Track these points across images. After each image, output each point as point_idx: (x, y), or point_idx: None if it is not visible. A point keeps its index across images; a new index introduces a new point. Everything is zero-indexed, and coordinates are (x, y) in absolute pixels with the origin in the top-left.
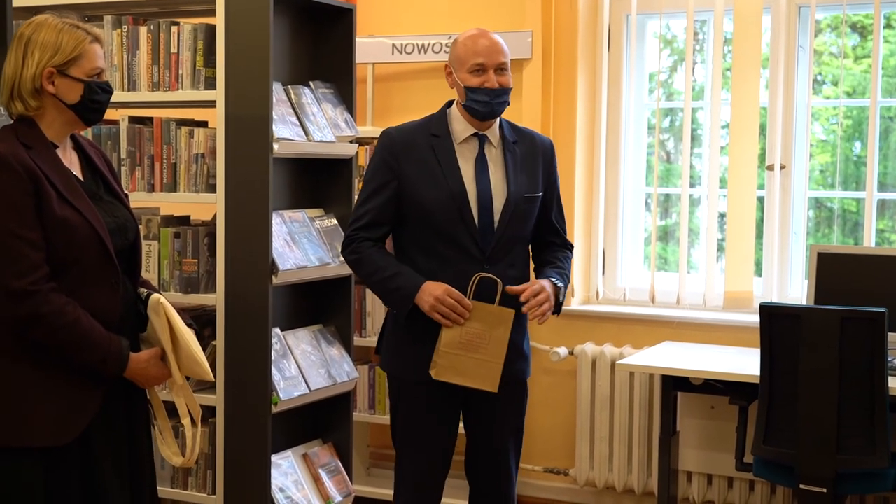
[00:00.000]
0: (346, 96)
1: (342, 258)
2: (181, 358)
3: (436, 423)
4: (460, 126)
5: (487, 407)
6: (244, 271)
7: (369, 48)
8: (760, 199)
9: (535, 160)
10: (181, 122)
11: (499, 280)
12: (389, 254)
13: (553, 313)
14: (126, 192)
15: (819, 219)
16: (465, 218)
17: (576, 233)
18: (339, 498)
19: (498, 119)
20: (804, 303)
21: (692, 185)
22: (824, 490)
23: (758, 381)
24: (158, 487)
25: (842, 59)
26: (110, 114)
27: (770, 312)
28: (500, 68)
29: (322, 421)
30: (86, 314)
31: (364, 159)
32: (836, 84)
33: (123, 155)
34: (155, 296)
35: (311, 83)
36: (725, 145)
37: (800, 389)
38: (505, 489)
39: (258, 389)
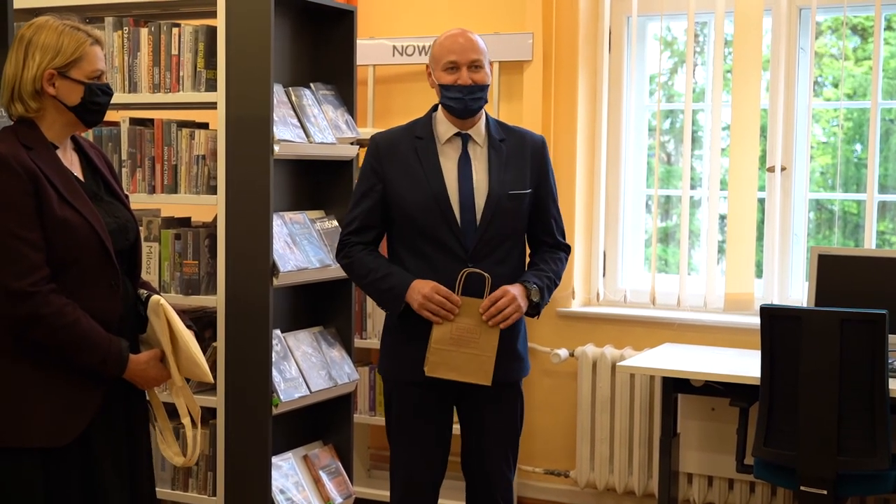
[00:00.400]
0: (346, 98)
1: None
2: (181, 359)
3: (428, 424)
4: (444, 127)
5: (479, 408)
6: (245, 273)
7: (370, 50)
8: (761, 201)
9: (522, 157)
10: (182, 124)
11: (486, 275)
12: (381, 256)
13: (530, 315)
14: (127, 193)
15: (820, 221)
16: (447, 218)
17: (576, 234)
18: (339, 499)
19: (484, 118)
20: (805, 304)
21: (693, 187)
22: (825, 492)
23: (758, 382)
24: (158, 489)
25: (842, 61)
26: (111, 115)
27: (771, 314)
28: (475, 65)
29: (322, 422)
30: (85, 315)
31: None
32: (836, 86)
33: (124, 156)
34: (155, 297)
35: (311, 85)
36: (726, 147)
37: (800, 391)
38: (498, 493)
39: (259, 391)
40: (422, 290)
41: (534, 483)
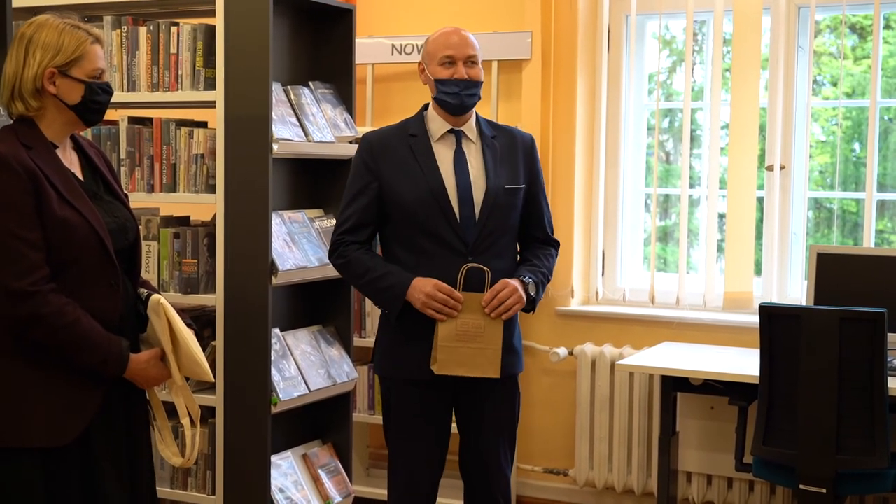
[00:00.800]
0: (345, 97)
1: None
2: (181, 358)
3: (427, 423)
4: (436, 124)
5: (478, 405)
6: (244, 272)
7: (369, 49)
8: (760, 200)
9: (515, 154)
10: (181, 123)
11: (486, 269)
12: (377, 255)
13: (526, 310)
14: (126, 192)
15: (818, 219)
16: (445, 212)
17: (575, 233)
18: (338, 498)
19: (474, 116)
20: (804, 303)
21: (692, 186)
22: (824, 490)
23: (757, 381)
24: (158, 488)
25: (841, 60)
26: (110, 114)
27: (770, 313)
28: (470, 61)
29: (321, 421)
30: (86, 315)
31: None
32: (835, 85)
33: (123, 155)
34: (155, 296)
35: (310, 83)
36: (725, 146)
37: (799, 390)
38: (496, 488)
39: (258, 390)
40: (424, 289)
41: (533, 482)
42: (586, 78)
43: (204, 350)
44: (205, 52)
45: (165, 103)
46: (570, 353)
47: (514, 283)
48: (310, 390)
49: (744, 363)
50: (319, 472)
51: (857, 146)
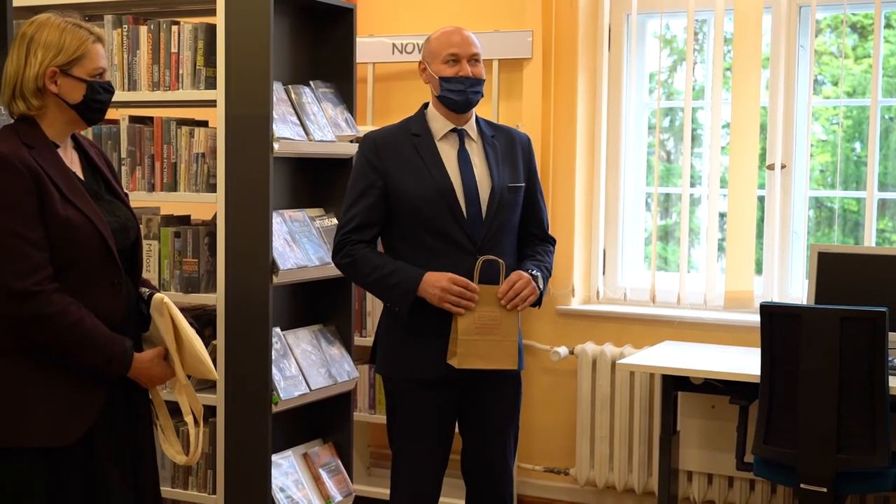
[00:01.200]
0: (346, 96)
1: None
2: (185, 357)
3: (434, 423)
4: (438, 123)
5: (483, 404)
6: (244, 271)
7: (369, 48)
8: (761, 199)
9: (514, 153)
10: (181, 122)
11: (501, 260)
12: (383, 253)
13: (533, 305)
14: (126, 191)
15: (819, 218)
16: (453, 211)
17: (576, 232)
18: (339, 497)
19: (474, 116)
20: (805, 302)
21: (692, 185)
22: (825, 489)
23: (758, 380)
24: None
25: (842, 59)
26: (110, 113)
27: (770, 312)
28: (474, 59)
29: (322, 420)
30: (90, 314)
31: None
32: (836, 84)
33: (124, 154)
34: (158, 295)
35: (311, 83)
36: (726, 145)
37: (800, 389)
38: (502, 488)
39: (258, 389)
40: (438, 283)
41: (534, 481)
42: (587, 77)
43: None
44: (205, 51)
45: (166, 102)
46: (571, 353)
47: (527, 275)
48: (310, 389)
49: (744, 362)
50: (320, 471)
51: (857, 145)
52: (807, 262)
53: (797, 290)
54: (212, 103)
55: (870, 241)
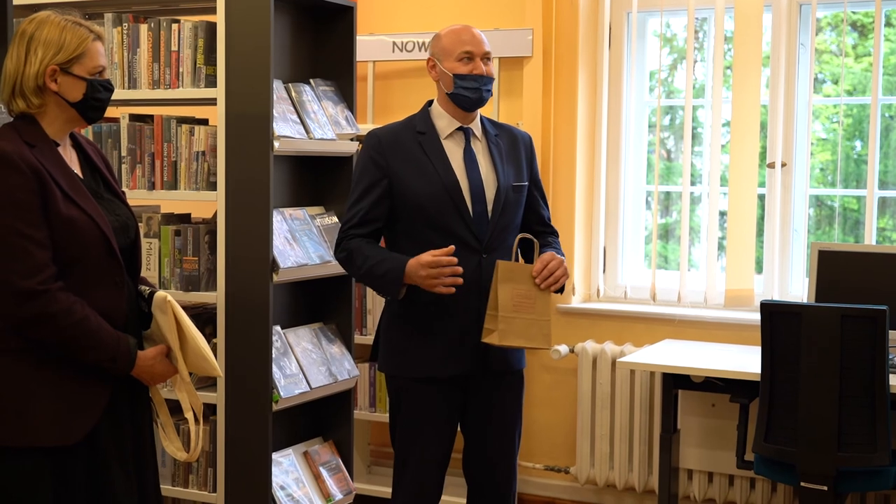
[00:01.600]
0: (346, 94)
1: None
2: (188, 354)
3: (439, 422)
4: (444, 121)
5: (487, 401)
6: (245, 269)
7: (370, 46)
8: (761, 197)
9: (517, 152)
10: (182, 120)
11: (535, 239)
12: (378, 245)
13: (556, 291)
14: (126, 190)
15: (820, 217)
16: (459, 209)
17: (577, 231)
18: (339, 496)
19: (478, 115)
20: (805, 300)
21: (693, 183)
22: (825, 488)
23: (758, 378)
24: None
25: (842, 58)
26: (111, 111)
27: (771, 310)
28: (486, 57)
29: (323, 419)
30: (94, 313)
31: None
32: (836, 82)
33: (124, 153)
34: (161, 293)
35: (311, 81)
36: (726, 143)
37: (801, 387)
38: (504, 487)
39: (259, 387)
40: (420, 267)
41: (534, 479)
42: (587, 75)
43: None
44: (206, 49)
45: (166, 101)
46: (572, 351)
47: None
48: (311, 388)
49: (745, 360)
50: (321, 469)
51: (858, 143)
52: (807, 260)
53: (797, 288)
54: (212, 101)
55: (870, 240)
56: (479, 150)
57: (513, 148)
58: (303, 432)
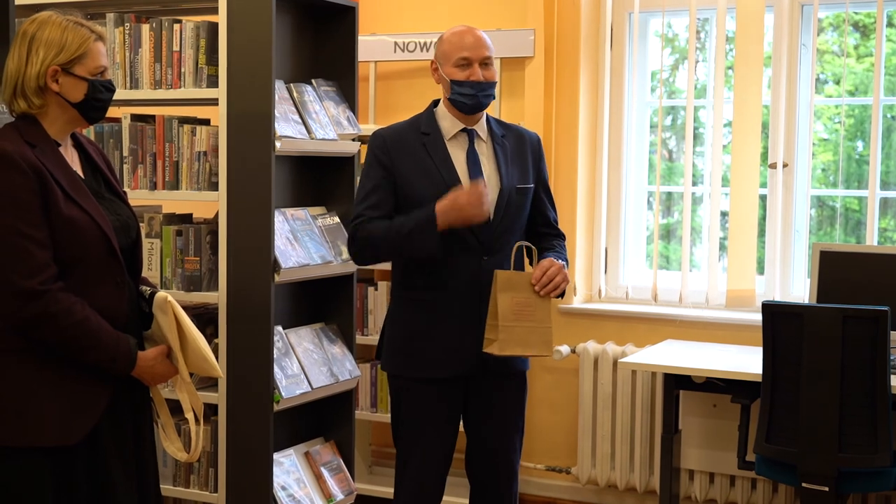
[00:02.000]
0: (348, 94)
1: (345, 257)
2: (189, 355)
3: (440, 422)
4: (448, 123)
5: (488, 402)
6: (246, 269)
7: (371, 46)
8: (763, 198)
9: (523, 153)
10: (183, 120)
11: (533, 247)
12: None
13: (557, 296)
14: (128, 190)
15: (821, 217)
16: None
17: (578, 231)
18: (341, 496)
19: (484, 115)
20: (806, 301)
21: (694, 184)
22: (826, 489)
23: (760, 379)
24: (161, 485)
25: (844, 58)
26: (112, 112)
27: (772, 311)
28: (485, 62)
29: (324, 419)
30: (95, 313)
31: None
32: (838, 82)
33: (125, 153)
34: (161, 293)
35: (313, 81)
36: (728, 144)
37: (802, 388)
38: (505, 487)
39: (260, 387)
40: (451, 207)
41: (535, 479)
42: (589, 75)
43: None
44: (207, 49)
45: (168, 101)
46: (573, 351)
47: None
48: (312, 388)
49: (746, 361)
50: (322, 469)
51: (860, 144)
52: (808, 260)
53: (799, 288)
54: (214, 102)
55: (872, 240)
56: (484, 151)
57: (519, 149)
58: (304, 432)
